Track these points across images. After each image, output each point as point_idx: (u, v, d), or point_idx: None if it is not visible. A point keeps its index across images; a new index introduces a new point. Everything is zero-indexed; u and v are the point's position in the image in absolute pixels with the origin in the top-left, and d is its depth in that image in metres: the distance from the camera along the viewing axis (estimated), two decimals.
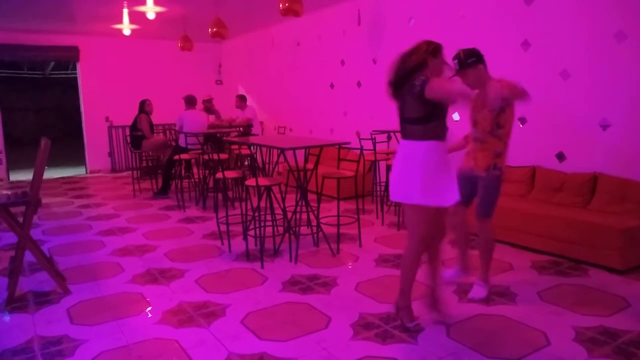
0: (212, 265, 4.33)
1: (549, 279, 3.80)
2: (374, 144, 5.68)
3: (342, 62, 7.72)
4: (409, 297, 3.02)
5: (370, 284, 3.78)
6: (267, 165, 6.04)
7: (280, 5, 5.65)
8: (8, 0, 7.01)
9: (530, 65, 4.93)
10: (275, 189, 4.97)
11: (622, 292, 3.49)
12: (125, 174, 10.28)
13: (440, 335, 2.94)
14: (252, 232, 4.92)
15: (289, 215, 4.74)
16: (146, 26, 9.00)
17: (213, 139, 7.33)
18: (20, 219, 3.70)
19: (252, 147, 5.33)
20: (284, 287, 3.77)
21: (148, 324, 3.20)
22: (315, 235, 4.87)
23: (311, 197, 5.47)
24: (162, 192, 7.57)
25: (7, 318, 3.34)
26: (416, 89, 2.74)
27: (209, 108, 8.87)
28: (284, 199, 4.86)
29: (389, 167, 5.46)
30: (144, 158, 8.40)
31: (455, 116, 5.75)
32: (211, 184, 6.84)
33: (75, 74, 10.61)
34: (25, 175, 9.88)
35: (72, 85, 11.11)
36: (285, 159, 4.53)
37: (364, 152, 5.78)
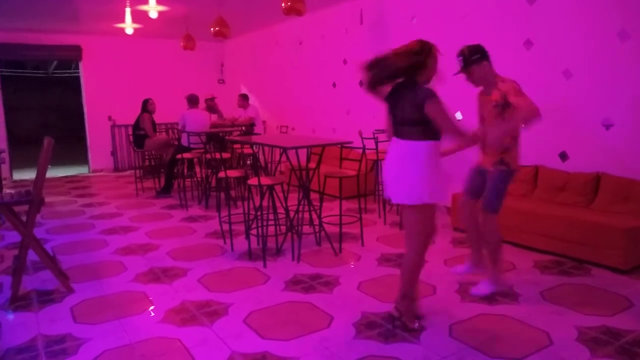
0: (215, 264, 4.34)
1: (552, 278, 3.80)
2: (376, 143, 5.67)
3: (345, 61, 7.71)
4: (411, 300, 3.02)
5: (373, 283, 3.78)
6: (269, 165, 6.06)
7: (283, 4, 5.66)
8: (11, 0, 7.02)
9: (533, 65, 4.92)
10: (278, 188, 4.98)
11: (625, 292, 3.48)
12: (128, 173, 10.30)
13: (442, 335, 2.94)
14: (254, 231, 4.92)
15: (292, 214, 4.75)
16: (149, 25, 9.01)
17: (215, 138, 7.34)
18: (24, 218, 3.71)
19: (254, 146, 5.35)
20: (286, 286, 3.77)
21: (151, 322, 3.21)
22: (317, 234, 4.87)
23: (313, 196, 5.48)
24: (165, 191, 7.58)
25: (11, 316, 3.35)
26: (418, 100, 2.74)
27: (211, 107, 8.88)
28: (286, 198, 4.86)
29: None
30: (146, 157, 8.41)
31: (458, 115, 5.75)
32: (214, 183, 6.85)
33: (78, 73, 10.63)
34: (29, 174, 9.91)
35: (75, 84, 11.12)
36: (288, 158, 4.53)
37: (366, 151, 5.80)
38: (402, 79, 2.87)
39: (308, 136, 7.91)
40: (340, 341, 2.88)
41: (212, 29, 7.25)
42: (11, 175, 9.95)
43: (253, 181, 4.42)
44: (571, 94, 4.66)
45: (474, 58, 3.27)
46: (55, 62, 16.02)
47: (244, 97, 8.81)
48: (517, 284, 3.67)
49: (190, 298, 3.58)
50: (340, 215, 4.77)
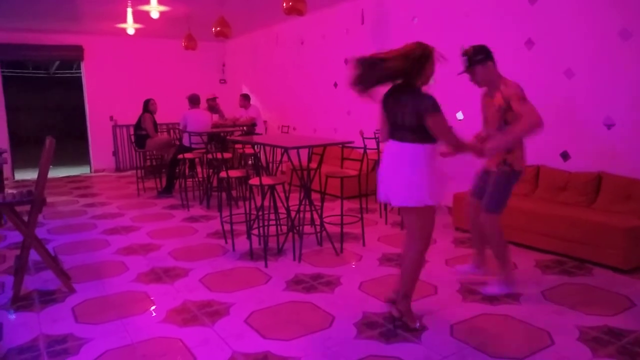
0: (216, 264, 4.34)
1: (553, 278, 3.79)
2: (378, 143, 5.67)
3: (346, 61, 7.71)
4: (410, 300, 3.02)
5: (374, 283, 3.78)
6: (270, 165, 6.06)
7: (284, 4, 5.66)
8: (13, 0, 7.03)
9: (534, 64, 4.92)
10: (279, 188, 4.98)
11: (626, 292, 3.48)
12: (129, 173, 10.32)
13: (443, 334, 2.94)
14: (255, 231, 4.93)
15: (293, 214, 4.75)
16: (150, 25, 9.02)
17: (217, 138, 7.34)
18: (26, 218, 3.72)
19: (255, 146, 5.35)
20: (287, 286, 3.77)
21: (152, 322, 3.21)
22: (318, 234, 4.87)
23: (315, 196, 5.48)
24: (166, 191, 7.59)
25: (12, 316, 3.36)
26: (420, 110, 2.75)
27: (212, 107, 8.88)
28: (287, 198, 4.87)
29: None
30: (148, 157, 8.42)
31: (459, 115, 5.75)
32: (215, 183, 6.85)
33: (80, 73, 10.65)
34: (30, 175, 9.93)
35: (76, 84, 11.14)
36: (289, 158, 4.53)
37: (368, 151, 5.79)
38: (400, 81, 2.88)
39: (309, 136, 7.92)
40: (341, 341, 2.88)
41: (213, 29, 7.26)
42: (13, 175, 9.97)
43: (254, 181, 4.43)
44: (573, 93, 4.66)
45: (478, 58, 3.26)
46: (57, 63, 16.04)
47: (246, 97, 8.82)
48: (519, 283, 3.65)
49: (191, 298, 3.58)
50: (342, 215, 4.77)
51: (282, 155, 5.51)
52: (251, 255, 4.53)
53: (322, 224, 4.73)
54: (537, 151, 4.90)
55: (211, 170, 6.78)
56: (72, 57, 10.64)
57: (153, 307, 3.46)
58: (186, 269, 4.22)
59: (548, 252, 4.32)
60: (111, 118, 10.65)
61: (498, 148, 3.21)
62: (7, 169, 9.72)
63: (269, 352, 2.77)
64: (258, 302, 3.47)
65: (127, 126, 10.20)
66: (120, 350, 2.86)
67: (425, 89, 2.88)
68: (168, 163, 7.79)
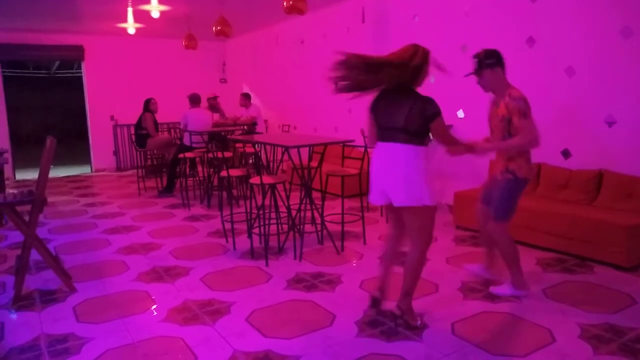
0: (217, 263, 4.34)
1: (555, 276, 3.79)
2: None
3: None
4: (412, 298, 3.02)
5: (375, 282, 3.77)
6: (271, 164, 6.05)
7: (285, 3, 5.65)
8: (13, 0, 7.03)
9: (536, 62, 4.91)
10: (280, 187, 4.98)
11: (628, 290, 3.47)
12: (130, 172, 10.32)
13: (445, 332, 2.94)
14: (256, 230, 4.93)
15: (294, 213, 4.75)
16: (151, 25, 9.01)
17: (217, 138, 7.34)
18: (26, 218, 3.72)
19: (256, 145, 5.34)
20: (288, 285, 3.77)
21: (153, 321, 3.22)
22: (319, 233, 4.87)
23: (315, 195, 5.48)
24: (167, 190, 7.60)
25: (14, 316, 3.36)
26: (428, 114, 2.81)
27: (213, 106, 8.88)
28: (288, 197, 4.86)
29: None
30: (148, 156, 8.43)
31: (460, 113, 5.74)
32: (216, 182, 6.85)
33: (80, 73, 10.65)
34: (31, 174, 9.94)
35: (77, 84, 11.15)
36: (290, 157, 4.53)
37: (368, 149, 5.78)
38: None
39: (310, 135, 7.92)
40: (342, 339, 2.88)
41: (214, 29, 7.25)
42: (14, 175, 9.98)
43: (255, 180, 4.42)
44: (574, 91, 4.65)
45: (488, 62, 3.23)
46: (58, 62, 16.05)
47: (246, 96, 8.81)
48: (528, 287, 3.64)
49: (192, 297, 3.58)
50: (343, 213, 4.77)
51: (282, 154, 5.51)
52: (252, 254, 4.53)
53: (322, 223, 4.73)
54: (538, 149, 4.89)
55: (212, 170, 6.78)
56: (73, 57, 10.65)
57: (154, 306, 3.46)
58: (187, 268, 4.22)
59: (549, 250, 4.31)
60: (112, 117, 10.65)
61: (490, 149, 3.37)
62: (8, 169, 9.72)
63: (270, 350, 2.77)
64: (259, 301, 3.47)
65: (128, 126, 10.20)
66: (121, 349, 2.86)
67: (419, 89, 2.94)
68: (169, 162, 7.79)
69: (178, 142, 7.90)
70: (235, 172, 5.09)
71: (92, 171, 10.76)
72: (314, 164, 4.81)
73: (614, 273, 3.81)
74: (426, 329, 2.97)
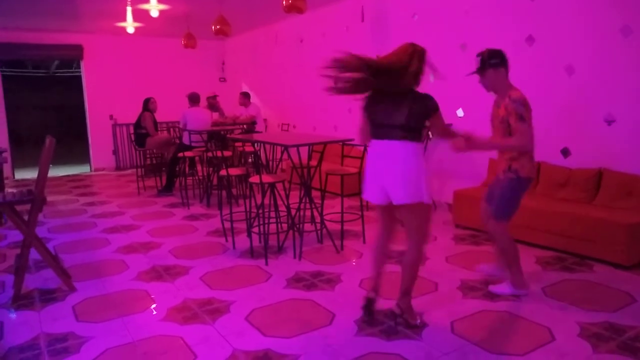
0: (217, 262, 4.34)
1: (554, 274, 3.79)
2: None
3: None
4: (411, 297, 3.02)
5: (369, 283, 3.77)
6: (270, 163, 6.05)
7: (284, 2, 5.65)
8: None
9: (535, 61, 4.91)
10: (279, 186, 4.98)
11: (627, 288, 3.48)
12: (129, 171, 10.32)
13: (444, 331, 2.94)
14: (256, 229, 4.92)
15: (293, 212, 4.75)
16: (150, 24, 9.00)
17: (217, 137, 7.34)
18: (26, 217, 3.72)
19: (255, 144, 5.34)
20: (288, 284, 3.77)
21: (153, 320, 3.22)
22: (319, 232, 4.87)
23: (315, 194, 5.48)
24: (167, 189, 7.59)
25: (13, 315, 3.36)
26: (429, 110, 2.84)
27: (213, 105, 8.87)
28: (287, 196, 4.86)
29: None
30: (148, 156, 8.42)
31: (460, 112, 5.74)
32: (215, 182, 6.85)
33: (80, 72, 10.64)
34: (30, 174, 9.93)
35: (76, 83, 11.13)
36: (289, 156, 4.53)
37: (368, 148, 5.78)
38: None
39: (309, 134, 7.92)
40: (342, 338, 2.88)
41: (213, 27, 7.25)
42: (13, 174, 9.97)
43: (254, 179, 4.42)
44: (573, 90, 4.65)
45: (492, 62, 3.22)
46: (57, 62, 16.04)
47: (245, 95, 8.81)
48: (528, 286, 3.65)
49: (192, 296, 3.58)
50: (342, 212, 4.77)
51: (282, 153, 5.50)
52: (251, 253, 4.53)
53: (322, 222, 4.73)
54: (538, 148, 4.87)
55: (211, 169, 6.78)
56: (72, 56, 10.64)
57: (154, 305, 3.46)
58: (187, 267, 4.22)
59: (549, 249, 4.31)
60: (111, 117, 10.65)
61: (486, 144, 3.39)
62: (7, 168, 9.72)
63: (270, 349, 2.77)
64: (258, 300, 3.47)
65: (127, 125, 10.18)
66: (121, 348, 2.86)
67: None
68: (168, 161, 7.79)
69: (177, 141, 7.89)
70: (234, 171, 5.09)
71: (91, 170, 10.76)
72: (314, 162, 4.81)
73: (613, 271, 3.81)
74: (426, 328, 2.97)
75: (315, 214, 4.89)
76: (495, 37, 5.09)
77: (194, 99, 7.52)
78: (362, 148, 4.87)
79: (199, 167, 7.56)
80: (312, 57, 8.56)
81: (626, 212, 4.05)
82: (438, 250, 4.45)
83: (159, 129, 8.66)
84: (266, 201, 4.67)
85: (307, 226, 5.07)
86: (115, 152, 10.77)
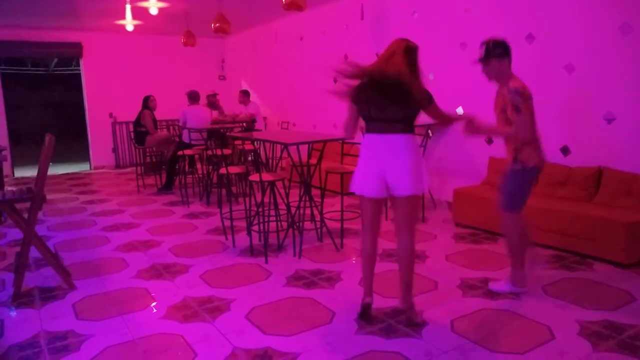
0: (217, 260, 4.34)
1: (554, 273, 3.80)
2: None
3: (346, 57, 7.69)
4: (412, 292, 3.03)
5: (374, 279, 3.76)
6: (270, 161, 6.05)
7: (283, 0, 5.64)
8: None
9: (535, 59, 4.90)
10: (279, 184, 4.98)
11: (627, 286, 3.48)
12: (129, 169, 10.31)
13: (444, 329, 2.94)
14: (256, 228, 4.93)
15: (293, 210, 4.75)
16: (149, 22, 8.99)
17: (216, 135, 7.33)
18: (26, 215, 3.72)
19: (255, 142, 5.34)
20: (288, 282, 3.77)
21: (153, 319, 3.22)
22: (319, 230, 4.87)
23: (315, 192, 5.47)
24: (166, 187, 7.59)
25: (13, 313, 3.36)
26: (424, 101, 2.87)
27: (212, 103, 8.86)
28: (287, 194, 4.86)
29: None
30: (147, 154, 8.42)
31: (460, 110, 5.74)
32: (215, 180, 6.85)
33: (79, 70, 10.63)
34: (30, 172, 9.92)
35: (75, 81, 11.12)
36: (289, 154, 4.52)
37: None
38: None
39: (309, 132, 7.91)
40: (342, 336, 2.88)
41: (212, 25, 7.24)
42: (12, 172, 9.96)
43: (254, 177, 4.42)
44: (573, 88, 4.65)
45: (497, 51, 3.23)
46: (56, 60, 16.02)
47: (245, 94, 8.80)
48: (527, 284, 3.64)
49: (192, 294, 3.58)
50: (342, 210, 4.77)
51: (281, 151, 5.50)
52: (251, 251, 4.53)
53: (322, 220, 4.73)
54: None
55: (211, 167, 6.78)
56: (71, 54, 10.62)
57: (153, 304, 3.46)
58: (186, 265, 4.22)
59: (548, 247, 4.31)
60: (111, 115, 10.64)
61: (485, 129, 3.42)
62: (6, 167, 9.71)
63: (270, 347, 2.77)
64: (258, 298, 3.47)
65: (127, 123, 10.17)
66: (121, 346, 2.86)
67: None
68: (168, 160, 7.79)
69: (177, 139, 7.89)
70: (234, 170, 5.08)
71: (91, 168, 10.75)
72: (313, 161, 4.81)
73: (613, 270, 3.82)
74: (426, 326, 2.97)
75: (315, 212, 4.89)
76: (495, 35, 5.07)
77: (193, 97, 7.52)
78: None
79: (198, 165, 7.56)
80: (311, 55, 8.56)
81: (626, 210, 4.05)
82: (438, 248, 4.45)
83: (159, 127, 8.66)
84: (266, 199, 4.67)
85: (307, 224, 5.07)
86: (114, 150, 10.77)
